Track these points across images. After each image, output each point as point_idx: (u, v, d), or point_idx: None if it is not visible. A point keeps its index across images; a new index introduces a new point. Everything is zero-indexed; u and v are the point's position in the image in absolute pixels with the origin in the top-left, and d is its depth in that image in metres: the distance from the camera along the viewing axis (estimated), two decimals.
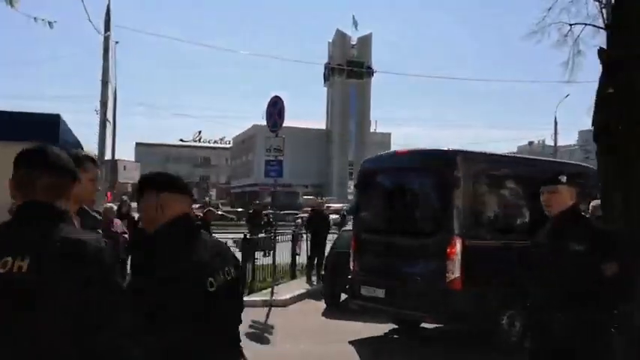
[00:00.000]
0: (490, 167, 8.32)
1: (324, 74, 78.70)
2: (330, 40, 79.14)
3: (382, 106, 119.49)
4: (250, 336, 9.01)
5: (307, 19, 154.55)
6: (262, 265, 15.26)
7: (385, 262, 8.45)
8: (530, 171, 8.41)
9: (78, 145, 15.39)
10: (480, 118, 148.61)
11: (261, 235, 17.95)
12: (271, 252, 16.49)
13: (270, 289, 12.50)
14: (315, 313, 10.65)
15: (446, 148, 8.17)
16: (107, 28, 25.40)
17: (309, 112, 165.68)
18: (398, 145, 67.39)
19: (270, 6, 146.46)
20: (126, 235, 10.43)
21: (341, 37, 76.88)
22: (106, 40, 25.34)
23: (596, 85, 5.35)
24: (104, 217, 10.57)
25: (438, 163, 8.11)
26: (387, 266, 8.40)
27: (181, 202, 2.54)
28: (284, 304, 11.77)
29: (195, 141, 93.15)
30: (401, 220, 8.60)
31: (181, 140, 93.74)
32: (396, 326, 9.35)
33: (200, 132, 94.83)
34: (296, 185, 68.28)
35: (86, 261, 1.90)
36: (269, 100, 12.58)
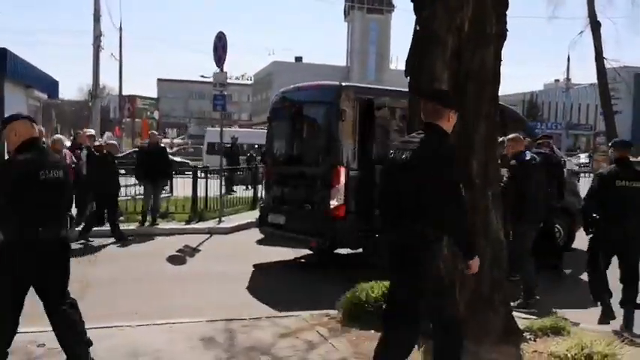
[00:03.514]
0: (376, 101, 8.54)
1: (344, 9, 77.65)
2: None
3: (403, 43, 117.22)
4: (172, 258, 9.80)
5: None
6: (234, 197, 16.09)
7: (285, 191, 9.01)
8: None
9: (44, 78, 16.00)
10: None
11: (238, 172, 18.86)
12: (252, 185, 17.44)
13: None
14: (250, 241, 11.15)
15: (335, 83, 8.52)
16: None
17: (330, 49, 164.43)
18: None
19: None
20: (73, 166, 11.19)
21: None
22: None
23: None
24: (53, 148, 11.28)
25: (326, 97, 8.49)
26: (286, 195, 8.96)
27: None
28: (227, 232, 12.47)
29: None
30: (298, 152, 9.12)
31: (202, 76, 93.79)
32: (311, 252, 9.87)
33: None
34: None
35: None
36: (215, 35, 12.96)
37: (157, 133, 14.59)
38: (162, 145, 14.87)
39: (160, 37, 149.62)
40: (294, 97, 9.43)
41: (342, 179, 8.00)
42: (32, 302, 4.43)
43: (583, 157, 39.79)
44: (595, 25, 20.45)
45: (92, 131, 13.69)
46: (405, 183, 3.81)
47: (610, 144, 6.86)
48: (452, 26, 5.26)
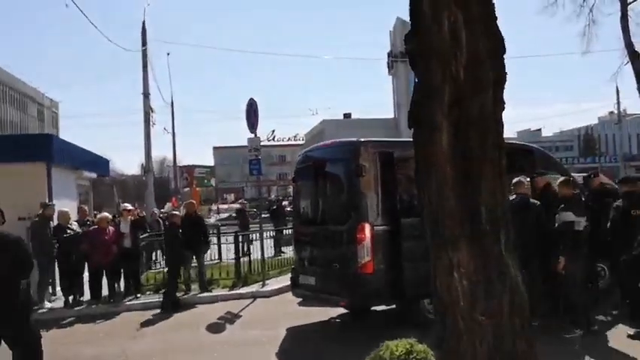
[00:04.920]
0: (396, 153, 8.44)
1: (388, 63, 78.65)
2: (391, 29, 78.81)
3: None
4: (212, 327, 9.82)
5: (368, 12, 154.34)
6: (282, 258, 16.14)
7: (314, 252, 8.96)
8: None
9: (93, 158, 16.76)
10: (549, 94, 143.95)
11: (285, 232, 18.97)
12: None
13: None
14: (292, 303, 11.05)
15: (354, 139, 8.51)
16: (144, 42, 26.94)
17: (378, 103, 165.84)
18: None
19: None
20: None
21: (401, 24, 76.18)
22: (144, 53, 26.90)
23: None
24: (99, 225, 11.72)
25: (345, 154, 8.50)
26: (315, 255, 8.91)
27: None
28: (269, 294, 12.44)
29: (270, 140, 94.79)
30: (323, 210, 9.10)
31: None
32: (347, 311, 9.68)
33: (274, 131, 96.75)
34: None
35: None
36: (247, 101, 13.24)
37: (194, 202, 14.92)
38: (199, 213, 15.21)
39: (211, 107, 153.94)
40: (315, 155, 9.50)
41: (368, 235, 7.91)
42: None
43: None
44: (633, 56, 20.02)
45: (128, 205, 14.17)
46: None
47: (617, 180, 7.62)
48: (447, 75, 5.23)
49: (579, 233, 7.63)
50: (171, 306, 11.37)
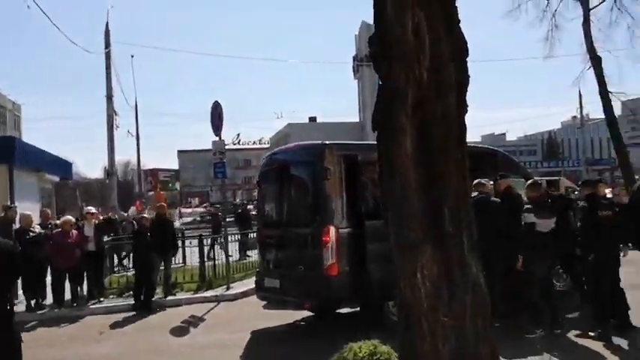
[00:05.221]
0: (361, 156, 8.47)
1: (353, 67, 79.12)
2: (357, 33, 79.29)
3: None
4: (176, 330, 9.72)
5: (334, 16, 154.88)
6: (248, 261, 16.05)
7: (279, 254, 8.93)
8: None
9: (55, 161, 16.52)
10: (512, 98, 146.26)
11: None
12: None
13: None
14: (257, 306, 10.93)
15: (318, 142, 8.52)
16: (107, 44, 26.59)
17: (343, 107, 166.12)
18: None
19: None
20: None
21: (366, 28, 76.69)
22: (107, 55, 26.52)
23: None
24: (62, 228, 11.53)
25: (310, 157, 8.51)
26: (280, 258, 8.88)
27: None
28: (234, 298, 12.36)
29: (235, 144, 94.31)
30: (288, 213, 9.07)
31: None
32: (312, 313, 9.66)
33: (239, 135, 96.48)
34: None
35: None
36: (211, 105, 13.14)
37: (165, 205, 14.80)
38: (168, 216, 15.07)
39: (175, 110, 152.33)
40: (280, 158, 9.48)
41: (333, 238, 7.91)
42: None
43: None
44: (595, 61, 20.43)
45: (92, 209, 13.96)
46: None
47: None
48: (410, 77, 5.25)
49: (542, 235, 7.76)
50: (139, 308, 11.32)
